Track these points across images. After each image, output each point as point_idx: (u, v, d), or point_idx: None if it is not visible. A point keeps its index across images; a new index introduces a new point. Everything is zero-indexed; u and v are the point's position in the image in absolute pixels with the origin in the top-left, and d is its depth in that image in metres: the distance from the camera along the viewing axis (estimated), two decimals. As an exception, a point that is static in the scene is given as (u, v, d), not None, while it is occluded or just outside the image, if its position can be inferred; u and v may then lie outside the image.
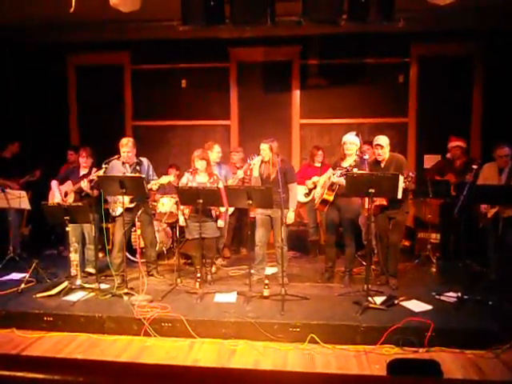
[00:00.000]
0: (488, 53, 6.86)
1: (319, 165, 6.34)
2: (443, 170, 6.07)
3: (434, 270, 5.73)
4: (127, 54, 7.60)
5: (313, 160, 6.47)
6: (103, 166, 4.90)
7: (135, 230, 5.38)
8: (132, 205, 5.06)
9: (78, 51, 7.57)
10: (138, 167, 5.14)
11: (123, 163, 5.13)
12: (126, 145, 5.07)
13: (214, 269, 5.44)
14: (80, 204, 4.83)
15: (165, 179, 5.04)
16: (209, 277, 5.19)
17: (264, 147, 4.98)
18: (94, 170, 5.27)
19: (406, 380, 1.02)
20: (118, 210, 5.05)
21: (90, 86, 7.74)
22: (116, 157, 5.04)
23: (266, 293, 4.54)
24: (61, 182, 5.49)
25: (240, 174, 5.66)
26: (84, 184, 5.21)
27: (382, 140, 4.80)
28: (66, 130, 7.80)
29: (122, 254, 5.03)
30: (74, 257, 5.24)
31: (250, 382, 1.01)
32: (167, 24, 5.82)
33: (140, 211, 5.05)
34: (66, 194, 5.44)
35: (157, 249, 5.61)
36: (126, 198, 4.87)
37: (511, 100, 6.83)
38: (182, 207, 5.04)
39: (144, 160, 5.27)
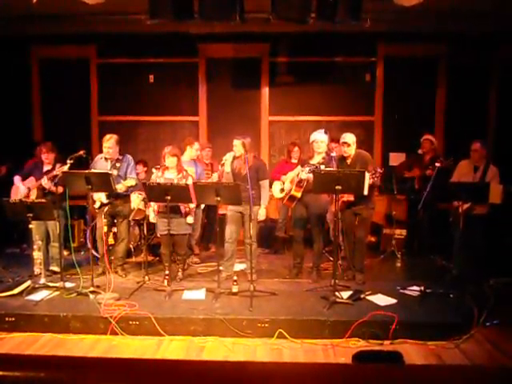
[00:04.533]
0: (451, 54, 7.09)
1: (296, 161, 6.37)
2: (411, 165, 6.25)
3: (398, 265, 5.89)
4: (93, 47, 7.42)
5: (289, 156, 6.50)
6: (67, 161, 4.79)
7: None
8: (107, 201, 4.99)
9: (42, 44, 7.34)
10: (117, 164, 5.10)
11: (105, 159, 5.14)
12: (108, 141, 5.10)
13: (185, 266, 5.40)
14: (43, 201, 4.69)
15: (129, 182, 4.99)
16: (179, 274, 5.16)
17: (236, 143, 4.97)
18: (58, 165, 5.14)
19: (369, 367, 1.06)
20: (97, 204, 5.05)
21: (54, 79, 7.52)
22: (81, 152, 4.96)
23: (234, 289, 4.55)
24: (24, 178, 5.32)
25: (215, 177, 5.63)
26: (44, 182, 5.08)
27: (349, 138, 4.88)
28: (29, 125, 7.56)
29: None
30: (38, 255, 5.08)
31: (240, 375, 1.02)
32: (134, 17, 5.73)
33: (106, 208, 4.98)
34: (29, 191, 5.28)
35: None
36: (102, 194, 4.93)
37: (473, 99, 7.10)
38: (152, 204, 4.99)
39: (127, 157, 5.25)
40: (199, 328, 4.01)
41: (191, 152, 5.69)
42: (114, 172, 4.99)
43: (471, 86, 7.09)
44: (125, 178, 5.09)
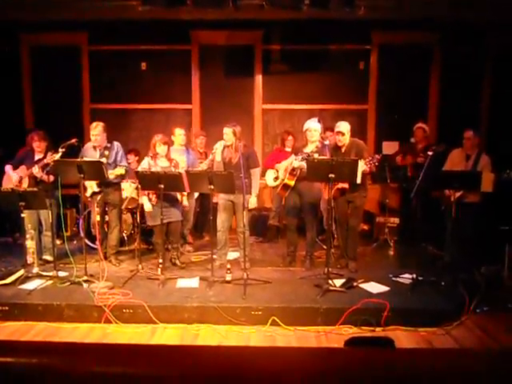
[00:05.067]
0: (445, 41, 7.07)
1: (290, 149, 6.35)
2: (404, 153, 6.27)
3: (391, 253, 5.92)
4: (85, 34, 7.32)
5: (283, 145, 6.48)
6: (59, 150, 4.76)
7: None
8: (98, 189, 4.98)
9: (33, 31, 7.22)
10: (106, 152, 5.09)
11: (94, 147, 5.13)
12: (95, 128, 5.09)
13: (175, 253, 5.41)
14: (35, 189, 4.66)
15: (118, 170, 4.97)
16: (177, 261, 5.18)
17: (227, 131, 4.95)
18: (50, 153, 5.10)
19: (360, 351, 1.07)
20: (88, 192, 5.04)
21: (45, 67, 7.42)
22: (73, 140, 4.92)
23: (228, 277, 4.57)
24: (15, 167, 5.28)
25: (203, 166, 5.57)
26: (35, 170, 5.04)
27: (343, 127, 4.88)
28: (20, 113, 7.47)
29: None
30: (30, 244, 5.06)
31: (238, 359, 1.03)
32: (126, 4, 5.65)
33: (99, 196, 4.97)
34: (20, 179, 5.24)
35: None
36: (94, 182, 4.94)
37: (467, 87, 7.10)
38: (149, 193, 4.96)
39: (115, 144, 5.22)
40: (193, 316, 4.03)
41: (177, 139, 5.65)
42: (103, 160, 4.96)
43: (465, 74, 7.10)
44: (115, 166, 5.06)
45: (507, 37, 6.77)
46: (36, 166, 5.03)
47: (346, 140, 4.91)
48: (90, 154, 5.13)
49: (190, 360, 1.04)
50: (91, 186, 5.03)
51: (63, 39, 7.33)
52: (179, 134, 5.70)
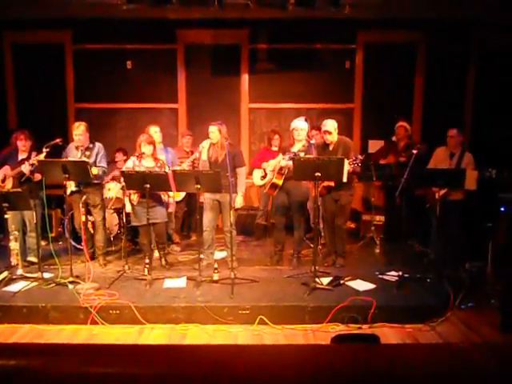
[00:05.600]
0: (430, 40, 7.14)
1: (276, 149, 6.35)
2: (387, 152, 6.31)
3: (377, 250, 5.97)
4: (69, 32, 7.23)
5: (270, 144, 6.48)
6: (44, 149, 4.71)
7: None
8: (75, 188, 4.94)
9: (15, 29, 7.12)
10: (87, 152, 5.05)
11: (76, 147, 5.10)
12: (78, 128, 5.05)
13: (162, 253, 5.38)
14: (19, 190, 4.61)
15: (93, 170, 4.87)
16: (163, 261, 5.16)
17: (213, 129, 4.94)
18: (34, 153, 5.04)
19: (346, 347, 1.08)
20: (68, 190, 4.96)
21: (28, 66, 7.32)
22: (57, 140, 4.88)
23: (215, 277, 4.56)
24: (-2, 167, 5.20)
25: (183, 166, 5.48)
26: (26, 168, 4.98)
27: (330, 125, 4.90)
28: (3, 112, 7.36)
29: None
30: (14, 245, 4.98)
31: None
32: (111, 2, 5.60)
33: (84, 197, 4.92)
34: (3, 180, 5.16)
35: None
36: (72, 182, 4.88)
37: (451, 86, 7.19)
38: (130, 193, 4.93)
39: (97, 145, 5.18)
40: (180, 316, 4.02)
41: (155, 137, 5.57)
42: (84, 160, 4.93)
43: (449, 73, 7.19)
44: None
45: (492, 35, 6.88)
46: (26, 163, 4.97)
47: (333, 138, 4.94)
48: (73, 154, 5.09)
49: (177, 358, 1.04)
50: (70, 185, 4.96)
51: (47, 37, 7.23)
52: (155, 132, 5.54)
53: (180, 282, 4.60)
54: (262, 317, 3.94)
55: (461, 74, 7.25)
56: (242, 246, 6.06)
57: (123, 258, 5.07)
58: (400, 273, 4.61)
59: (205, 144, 5.06)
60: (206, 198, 5.08)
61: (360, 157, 4.70)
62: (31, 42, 7.26)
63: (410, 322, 3.94)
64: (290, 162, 4.69)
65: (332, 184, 4.90)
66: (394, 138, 6.29)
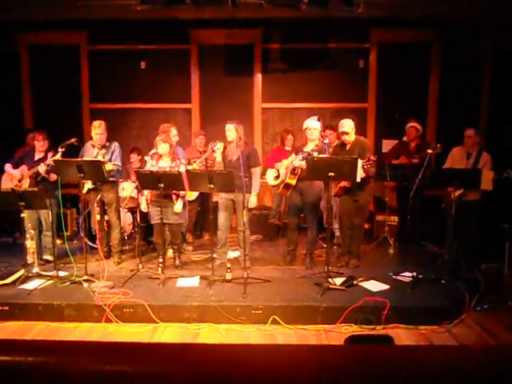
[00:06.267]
0: (445, 39, 7.06)
1: (290, 148, 6.35)
2: (398, 152, 6.26)
3: (391, 251, 5.93)
4: (84, 33, 7.31)
5: (283, 144, 6.48)
6: (59, 149, 4.77)
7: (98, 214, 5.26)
8: (92, 186, 5.01)
9: (32, 30, 7.21)
10: (103, 150, 5.12)
11: (93, 146, 5.17)
12: (99, 127, 5.13)
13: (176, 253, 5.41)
14: (35, 189, 4.66)
15: (107, 166, 4.93)
16: (177, 262, 5.18)
17: (230, 127, 4.94)
18: (50, 154, 5.11)
19: (360, 347, 1.08)
20: (84, 189, 5.03)
21: (44, 67, 7.42)
22: (72, 140, 4.94)
23: (228, 276, 4.57)
24: (15, 166, 5.28)
25: (195, 165, 5.49)
26: (42, 169, 5.05)
27: (347, 126, 4.88)
28: (19, 113, 7.47)
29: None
30: (31, 244, 5.06)
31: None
32: (125, 3, 5.65)
33: (99, 195, 4.98)
34: (21, 179, 5.24)
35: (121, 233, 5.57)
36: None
37: (466, 85, 7.10)
38: (145, 192, 4.96)
39: (113, 144, 5.25)
40: (193, 315, 4.03)
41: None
42: (99, 158, 4.98)
43: (464, 72, 7.09)
44: None
45: (507, 33, 6.77)
46: (42, 164, 5.04)
47: (351, 138, 4.92)
48: (89, 152, 5.16)
49: (190, 357, 1.04)
50: (86, 183, 5.04)
51: (62, 39, 7.32)
52: (173, 135, 5.60)
53: (193, 282, 4.62)
54: (275, 317, 3.93)
55: (476, 73, 7.15)
56: (255, 246, 6.07)
57: (137, 257, 5.11)
58: (414, 274, 4.56)
59: (219, 146, 5.04)
60: (221, 197, 5.09)
61: (373, 157, 4.67)
62: (47, 43, 7.35)
63: (424, 323, 3.89)
64: (304, 162, 4.68)
65: (348, 184, 4.88)
66: (404, 139, 6.24)
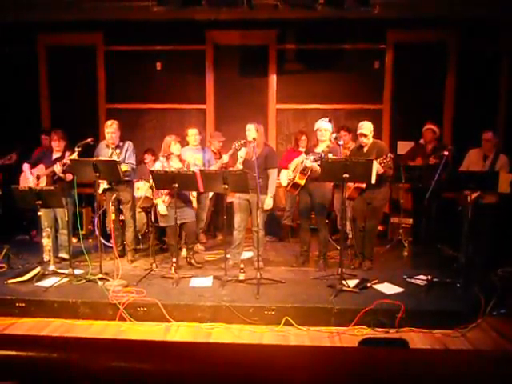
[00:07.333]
0: (462, 40, 6.97)
1: (303, 149, 6.32)
2: (414, 154, 6.20)
3: (405, 253, 5.87)
4: (100, 34, 7.39)
5: (297, 145, 6.47)
6: (76, 149, 4.83)
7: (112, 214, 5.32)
8: (107, 186, 5.09)
9: (49, 31, 7.32)
10: (117, 150, 5.16)
11: (107, 145, 5.22)
12: (110, 126, 5.18)
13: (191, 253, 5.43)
14: (52, 188, 4.73)
15: (122, 167, 4.96)
16: (193, 261, 5.21)
17: (250, 127, 4.94)
18: (68, 153, 5.18)
19: (374, 350, 1.07)
20: (100, 188, 5.10)
21: (61, 67, 7.52)
22: (89, 140, 5.00)
23: (241, 277, 4.58)
24: (32, 166, 5.36)
25: (225, 158, 5.44)
26: (57, 168, 5.12)
27: (366, 128, 4.86)
28: (37, 112, 7.59)
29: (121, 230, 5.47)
30: (47, 242, 5.14)
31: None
32: (141, 4, 5.69)
33: (114, 195, 5.04)
34: (38, 178, 5.32)
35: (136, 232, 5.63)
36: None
37: (483, 87, 6.99)
38: (162, 196, 4.98)
39: (127, 143, 5.29)
40: (206, 315, 4.05)
41: (190, 140, 5.68)
42: (114, 158, 5.03)
43: (481, 73, 6.99)
44: None
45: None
46: (58, 164, 5.11)
47: (369, 140, 4.91)
48: (103, 152, 5.21)
49: (203, 356, 1.05)
50: (102, 182, 5.10)
51: (79, 40, 7.41)
52: (192, 134, 5.71)
53: (206, 281, 4.64)
54: (288, 318, 3.93)
55: (493, 74, 7.04)
56: (268, 247, 6.06)
57: (151, 257, 5.15)
58: (429, 277, 4.51)
59: (242, 154, 5.04)
60: (237, 197, 5.10)
61: (391, 154, 4.63)
62: (64, 44, 7.44)
63: (438, 327, 3.85)
64: (315, 164, 4.66)
65: (363, 186, 4.85)
66: (421, 141, 6.17)
